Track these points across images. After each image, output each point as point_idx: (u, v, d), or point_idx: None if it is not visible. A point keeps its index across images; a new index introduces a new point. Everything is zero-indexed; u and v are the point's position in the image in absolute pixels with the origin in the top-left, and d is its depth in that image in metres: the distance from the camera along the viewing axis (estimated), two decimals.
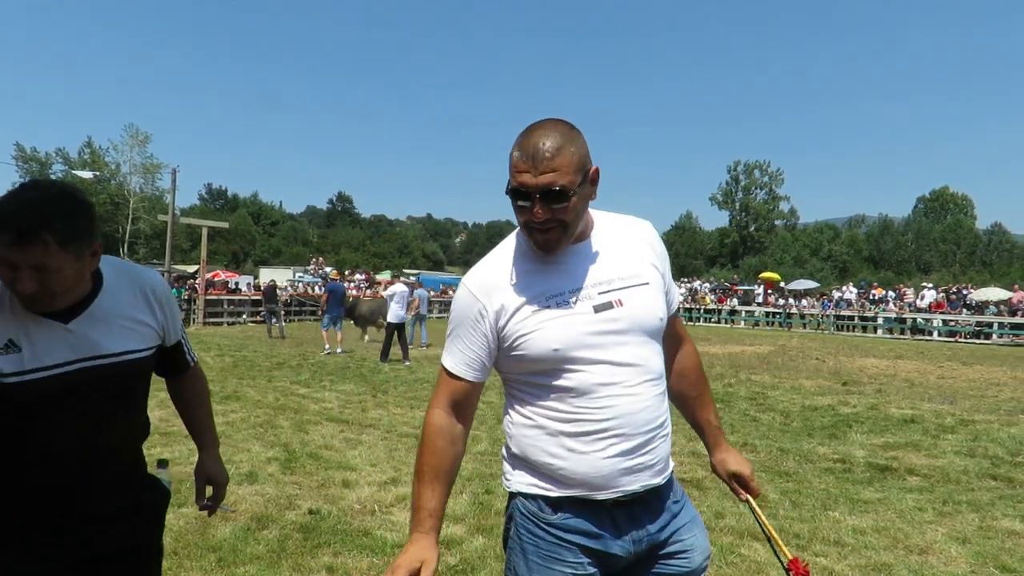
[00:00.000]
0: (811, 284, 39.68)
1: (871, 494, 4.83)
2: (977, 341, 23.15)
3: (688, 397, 1.69)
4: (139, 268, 1.64)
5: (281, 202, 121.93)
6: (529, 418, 1.45)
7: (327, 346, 13.82)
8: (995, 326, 23.79)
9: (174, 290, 20.48)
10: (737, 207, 71.99)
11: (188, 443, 5.45)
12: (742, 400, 8.97)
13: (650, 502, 1.47)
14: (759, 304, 32.76)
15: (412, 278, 37.49)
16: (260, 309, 21.82)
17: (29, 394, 1.40)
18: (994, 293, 29.01)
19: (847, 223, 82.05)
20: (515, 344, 1.42)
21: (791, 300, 32.24)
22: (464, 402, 1.49)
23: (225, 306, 23.67)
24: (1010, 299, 26.02)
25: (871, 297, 29.41)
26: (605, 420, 1.38)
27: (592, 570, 1.41)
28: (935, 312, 26.05)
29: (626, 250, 1.50)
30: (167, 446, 5.55)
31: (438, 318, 30.90)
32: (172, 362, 1.74)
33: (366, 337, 17.02)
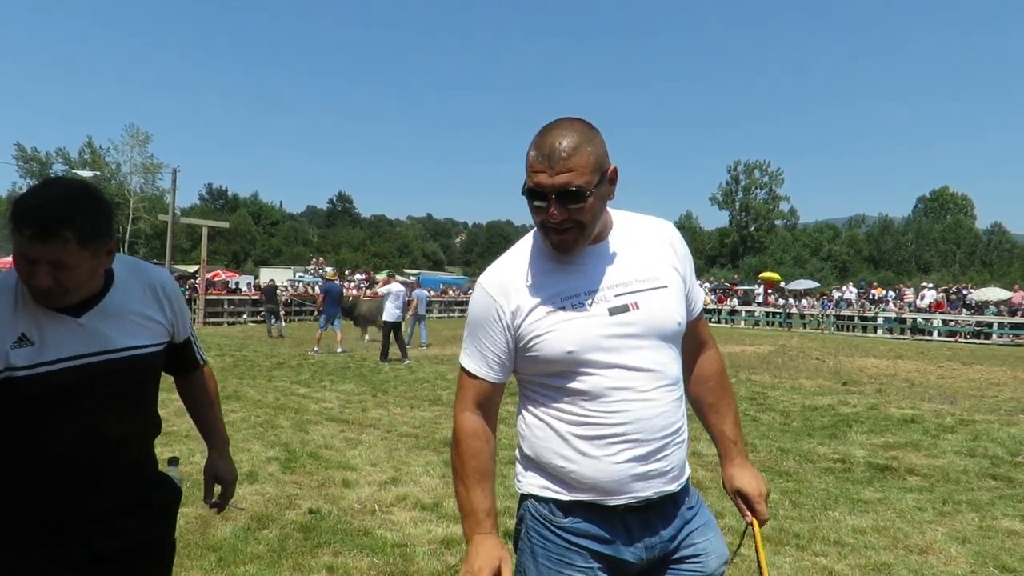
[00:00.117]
0: (811, 284, 39.69)
1: (871, 494, 4.83)
2: (977, 341, 23.14)
3: (705, 403, 1.63)
4: (149, 265, 1.66)
5: (281, 202, 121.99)
6: (541, 420, 1.43)
7: (315, 347, 13.79)
8: (995, 326, 23.78)
9: None
10: (737, 207, 71.99)
11: (189, 443, 5.46)
12: (742, 400, 8.96)
13: (664, 508, 1.44)
14: (759, 304, 32.75)
15: (412, 278, 37.56)
16: (260, 309, 21.82)
17: (41, 387, 1.41)
18: (994, 293, 29.03)
19: (847, 223, 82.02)
20: (529, 345, 1.40)
21: (791, 300, 32.24)
22: (487, 403, 1.48)
23: (225, 306, 23.68)
24: (1010, 299, 26.03)
25: (871, 297, 29.41)
26: (617, 424, 1.36)
27: (602, 575, 1.39)
28: (935, 312, 26.04)
29: (645, 251, 1.46)
30: (167, 446, 5.55)
31: (438, 318, 30.91)
32: (181, 360, 1.76)
33: (366, 337, 17.01)
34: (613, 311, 1.38)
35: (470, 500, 1.41)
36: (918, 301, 27.37)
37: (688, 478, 1.50)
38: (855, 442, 6.53)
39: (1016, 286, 28.00)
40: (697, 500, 1.53)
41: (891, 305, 27.94)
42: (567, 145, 1.29)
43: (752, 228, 71.14)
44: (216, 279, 30.76)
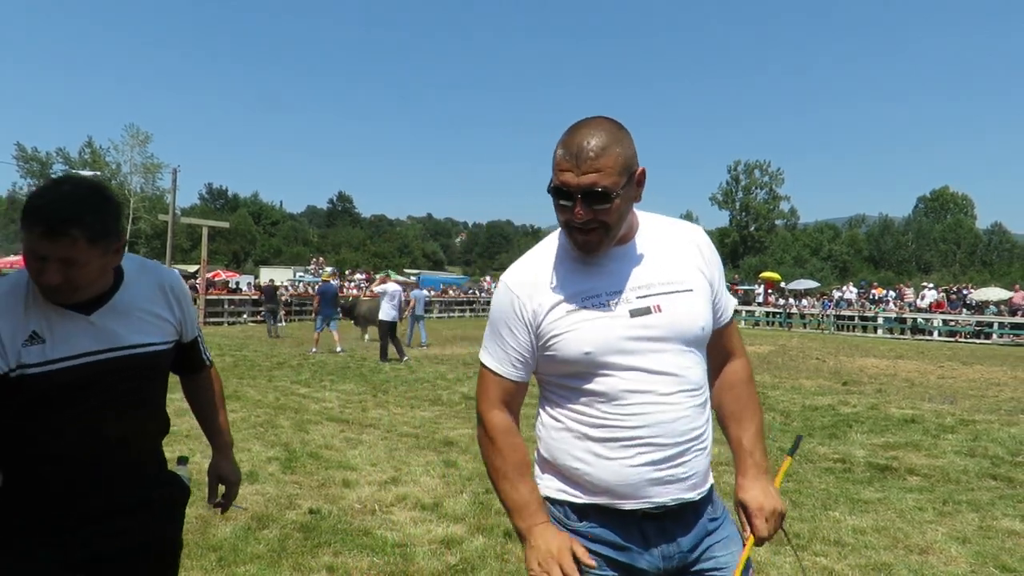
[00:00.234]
0: (811, 284, 39.72)
1: (871, 494, 4.83)
2: (977, 341, 23.14)
3: (726, 412, 1.56)
4: (158, 265, 1.68)
5: (281, 202, 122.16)
6: (558, 421, 1.42)
7: (314, 348, 13.86)
8: (995, 326, 23.77)
9: None
10: (737, 207, 72.00)
11: (189, 443, 5.46)
12: None
13: (684, 517, 1.40)
14: (759, 304, 32.76)
15: (412, 278, 37.57)
16: (260, 309, 21.83)
17: (51, 384, 1.42)
18: (994, 293, 29.05)
19: (847, 223, 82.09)
20: (548, 344, 1.38)
21: (791, 300, 32.25)
22: (511, 401, 1.46)
23: (225, 306, 23.70)
24: (1010, 299, 26.04)
25: (871, 297, 29.42)
26: (634, 428, 1.33)
27: None
28: (935, 312, 26.04)
29: (672, 255, 1.43)
30: (167, 445, 5.54)
31: (438, 318, 30.92)
32: (188, 360, 1.77)
33: (366, 336, 17.02)
34: (634, 313, 1.35)
35: (520, 494, 1.38)
36: (918, 301, 27.37)
37: (712, 488, 1.46)
38: (855, 442, 6.53)
39: (1016, 286, 28.00)
40: (722, 512, 1.49)
41: (891, 305, 27.94)
42: (595, 145, 1.27)
43: (752, 228, 71.15)
44: (216, 279, 30.77)
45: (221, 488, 1.89)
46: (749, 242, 70.40)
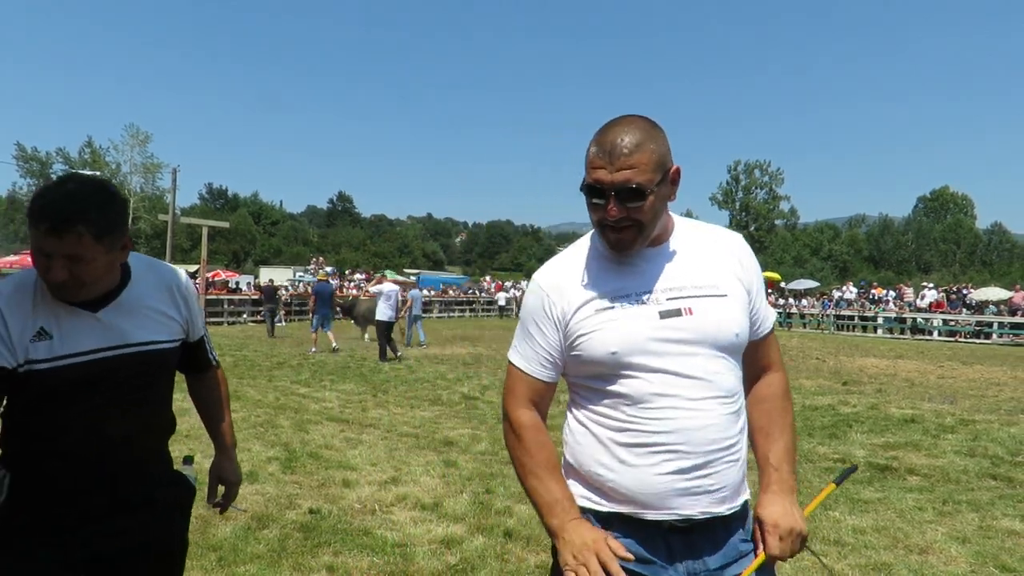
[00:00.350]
0: (811, 284, 39.69)
1: (871, 494, 4.83)
2: (977, 341, 23.13)
3: (755, 427, 1.49)
4: (165, 264, 1.71)
5: (281, 202, 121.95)
6: (584, 425, 1.39)
7: (313, 348, 13.88)
8: (995, 326, 23.77)
9: None
10: (737, 207, 71.98)
11: (189, 443, 5.45)
12: None
13: (713, 532, 1.34)
14: None
15: (412, 278, 37.57)
16: (260, 309, 21.83)
17: (58, 380, 1.44)
18: (994, 293, 29.04)
19: (847, 223, 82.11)
20: (575, 343, 1.36)
21: (791, 300, 32.24)
22: (539, 401, 1.44)
23: (225, 306, 23.69)
24: (1010, 299, 26.04)
25: (871, 297, 29.43)
26: (659, 433, 1.29)
27: None
28: (935, 312, 26.05)
29: (707, 259, 1.40)
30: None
31: (437, 318, 30.91)
32: (194, 359, 1.78)
33: (366, 336, 17.02)
34: (664, 314, 1.32)
35: (549, 491, 1.35)
36: (918, 301, 27.38)
37: (746, 504, 1.40)
38: (855, 442, 6.53)
39: (1016, 286, 28.02)
40: None
41: (891, 305, 27.95)
42: (629, 141, 1.26)
43: (752, 228, 71.10)
44: (216, 279, 30.76)
45: (221, 489, 1.90)
46: (749, 242, 69.94)
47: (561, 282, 1.40)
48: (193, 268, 32.97)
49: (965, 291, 29.78)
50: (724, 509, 1.33)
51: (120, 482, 1.55)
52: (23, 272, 1.49)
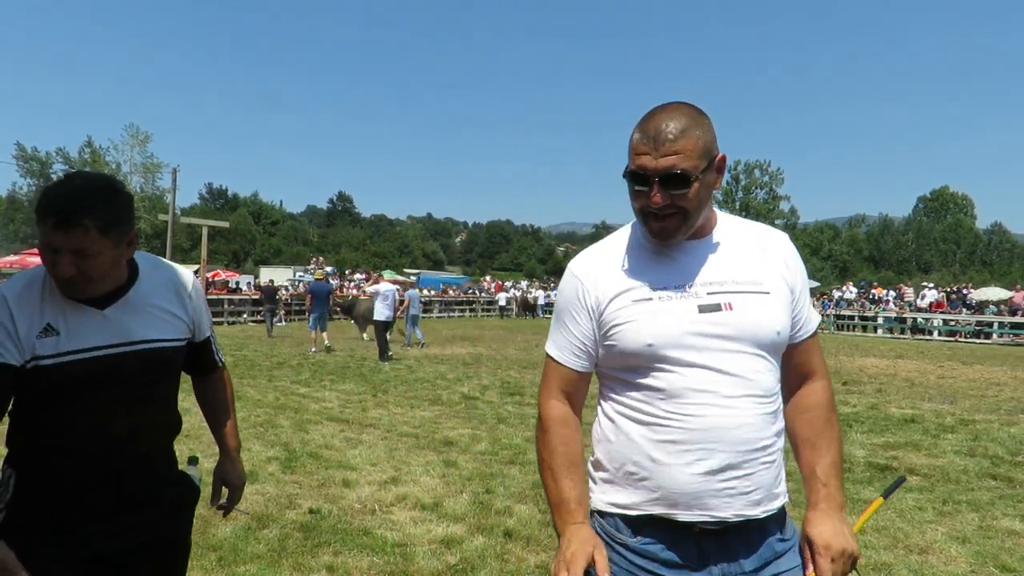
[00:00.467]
0: (811, 284, 39.69)
1: (871, 494, 4.83)
2: (977, 341, 23.13)
3: (800, 437, 1.45)
4: (172, 264, 1.72)
5: (281, 202, 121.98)
6: (613, 420, 1.36)
7: (313, 348, 13.91)
8: (995, 326, 23.77)
9: None
10: (737, 207, 71.88)
11: (189, 443, 5.45)
12: None
13: (748, 535, 1.30)
14: None
15: (412, 278, 37.57)
16: (260, 309, 21.84)
17: (64, 376, 1.45)
18: (994, 293, 29.06)
19: (847, 223, 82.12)
20: (609, 333, 1.33)
21: None
22: (573, 392, 1.41)
23: (225, 306, 23.67)
24: (1010, 299, 26.05)
25: (871, 297, 29.44)
26: (692, 430, 1.25)
27: None
28: (935, 312, 26.06)
29: (751, 256, 1.36)
30: None
31: (437, 318, 30.90)
32: (200, 360, 1.79)
33: (365, 336, 17.02)
34: (703, 308, 1.28)
35: (560, 490, 1.33)
36: (918, 301, 27.39)
37: (783, 508, 1.36)
38: (855, 442, 6.53)
39: (1017, 286, 28.03)
40: (793, 534, 1.38)
41: (891, 305, 27.96)
42: (674, 127, 1.23)
43: None
44: (216, 279, 30.76)
45: (225, 491, 1.90)
46: None
47: (596, 270, 1.37)
48: (193, 268, 32.99)
49: (965, 291, 29.81)
50: (759, 512, 1.29)
51: (126, 479, 1.55)
52: (32, 269, 1.51)
